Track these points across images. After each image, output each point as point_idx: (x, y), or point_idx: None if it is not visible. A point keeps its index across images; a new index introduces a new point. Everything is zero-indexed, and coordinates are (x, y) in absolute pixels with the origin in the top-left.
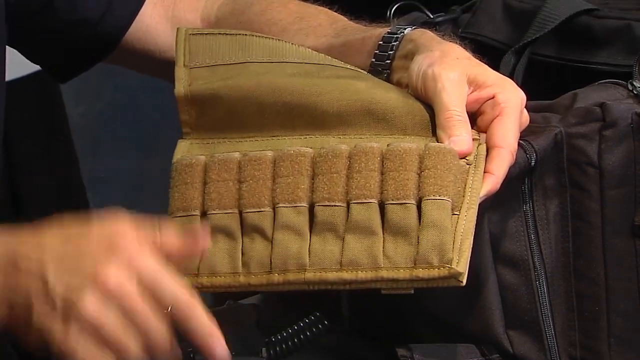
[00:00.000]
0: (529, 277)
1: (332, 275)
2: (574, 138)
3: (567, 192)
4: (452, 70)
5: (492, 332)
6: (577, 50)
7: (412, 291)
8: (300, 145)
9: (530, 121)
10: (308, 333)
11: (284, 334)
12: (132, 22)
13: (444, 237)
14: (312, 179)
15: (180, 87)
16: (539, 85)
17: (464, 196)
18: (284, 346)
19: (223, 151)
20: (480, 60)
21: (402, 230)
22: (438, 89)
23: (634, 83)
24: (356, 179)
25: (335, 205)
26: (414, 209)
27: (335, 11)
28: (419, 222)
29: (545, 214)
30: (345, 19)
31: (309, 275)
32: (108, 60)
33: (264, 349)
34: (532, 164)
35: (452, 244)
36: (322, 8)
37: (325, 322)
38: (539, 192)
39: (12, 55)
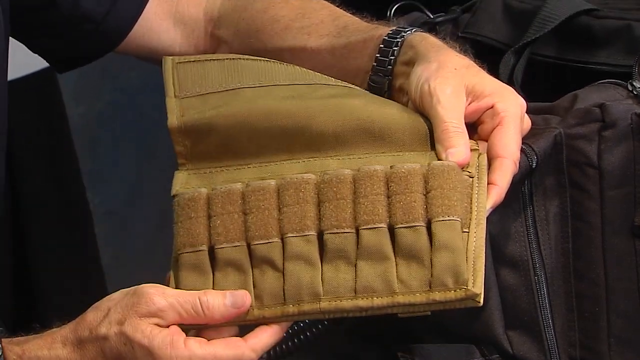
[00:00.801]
0: (529, 277)
1: (348, 304)
2: (574, 139)
3: (567, 192)
4: (448, 83)
5: (492, 333)
6: (577, 50)
7: (429, 313)
8: (300, 170)
9: (532, 124)
10: (308, 333)
11: (284, 334)
12: (135, 22)
13: (457, 258)
14: (318, 206)
15: (173, 118)
16: (539, 85)
17: (471, 212)
18: (283, 346)
19: (222, 180)
20: (480, 64)
21: (415, 254)
22: (434, 103)
23: (634, 83)
24: (363, 204)
25: (344, 232)
26: (424, 231)
27: (337, 6)
28: (430, 244)
29: (545, 215)
30: (347, 14)
31: (324, 304)
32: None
33: None
34: (533, 166)
35: (466, 265)
36: (324, 2)
37: (325, 323)
38: (539, 193)
39: (13, 55)
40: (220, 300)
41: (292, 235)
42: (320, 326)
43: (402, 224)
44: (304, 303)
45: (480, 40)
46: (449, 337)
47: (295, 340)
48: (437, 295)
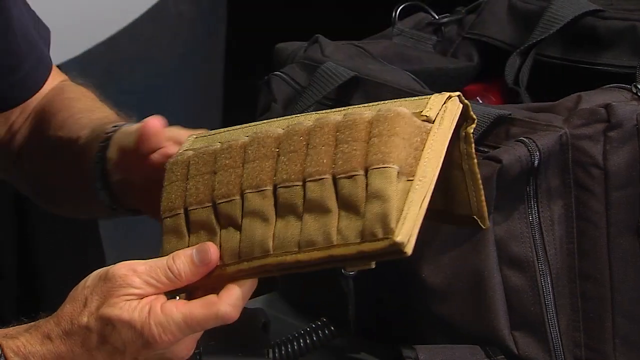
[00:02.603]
0: (534, 278)
1: (290, 259)
2: (579, 139)
3: (572, 193)
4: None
5: (497, 334)
6: (583, 51)
7: (373, 265)
8: (283, 125)
9: (531, 119)
10: (314, 338)
11: (290, 337)
12: None
13: (386, 207)
14: (277, 160)
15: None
16: (545, 87)
17: (420, 159)
18: (289, 349)
19: (218, 140)
20: (485, 65)
21: (353, 204)
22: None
23: (638, 86)
24: (311, 155)
25: (294, 185)
26: (362, 180)
27: (342, 12)
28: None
29: (550, 216)
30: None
31: (271, 260)
32: None
33: (270, 351)
34: (536, 162)
35: (396, 214)
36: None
37: (332, 328)
38: (544, 194)
39: None
40: (188, 261)
41: (250, 191)
42: (326, 332)
43: (342, 174)
44: (255, 260)
45: (485, 41)
46: (454, 337)
47: (302, 344)
48: (366, 247)
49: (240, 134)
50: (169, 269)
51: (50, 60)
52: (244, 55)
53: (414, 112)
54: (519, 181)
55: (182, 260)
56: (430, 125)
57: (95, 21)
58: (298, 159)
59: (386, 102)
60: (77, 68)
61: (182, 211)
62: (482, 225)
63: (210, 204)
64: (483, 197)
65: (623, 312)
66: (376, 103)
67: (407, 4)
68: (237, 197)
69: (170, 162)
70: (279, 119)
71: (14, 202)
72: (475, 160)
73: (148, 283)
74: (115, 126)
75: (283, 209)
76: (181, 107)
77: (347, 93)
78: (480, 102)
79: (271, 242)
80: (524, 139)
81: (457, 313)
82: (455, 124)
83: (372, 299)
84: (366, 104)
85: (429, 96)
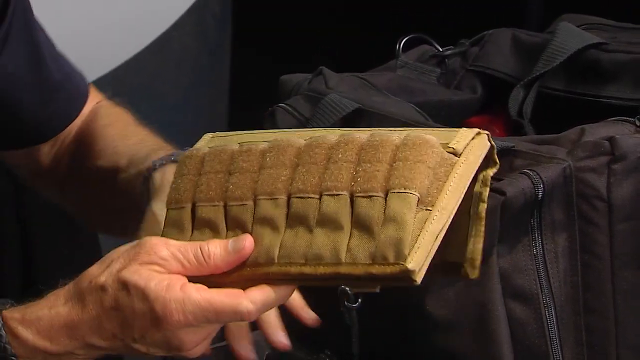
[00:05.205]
0: (539, 311)
1: (294, 270)
2: (583, 172)
3: (576, 225)
4: None
5: None
6: (586, 83)
7: (378, 290)
8: (305, 136)
9: (534, 151)
10: None
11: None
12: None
13: (402, 232)
14: (294, 170)
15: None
16: (548, 119)
17: (441, 191)
18: None
19: (237, 141)
20: (488, 98)
21: (367, 224)
22: None
23: None
24: (330, 169)
25: (308, 197)
26: (380, 201)
27: (347, 42)
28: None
29: (554, 248)
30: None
31: (274, 269)
32: None
33: None
34: (540, 194)
35: (411, 241)
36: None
37: None
38: (548, 226)
39: None
40: (222, 247)
41: (263, 197)
42: None
43: (360, 193)
44: (260, 267)
45: (489, 74)
46: None
47: None
48: (376, 269)
49: (260, 138)
50: (200, 249)
51: (86, 83)
52: (248, 88)
53: (441, 143)
54: (523, 213)
55: (216, 245)
56: (456, 158)
57: (99, 54)
58: (317, 172)
59: (415, 129)
60: None
61: (189, 205)
62: (469, 275)
63: (220, 204)
64: (481, 245)
65: (627, 345)
66: (404, 128)
67: (410, 36)
68: (250, 202)
69: (185, 156)
70: (302, 130)
71: (14, 207)
72: (486, 206)
73: (175, 257)
74: (154, 163)
75: (294, 220)
76: (186, 140)
77: (351, 125)
78: None
79: (277, 250)
80: (528, 172)
81: (461, 345)
82: (481, 161)
83: (376, 332)
84: (395, 129)
85: (458, 129)
